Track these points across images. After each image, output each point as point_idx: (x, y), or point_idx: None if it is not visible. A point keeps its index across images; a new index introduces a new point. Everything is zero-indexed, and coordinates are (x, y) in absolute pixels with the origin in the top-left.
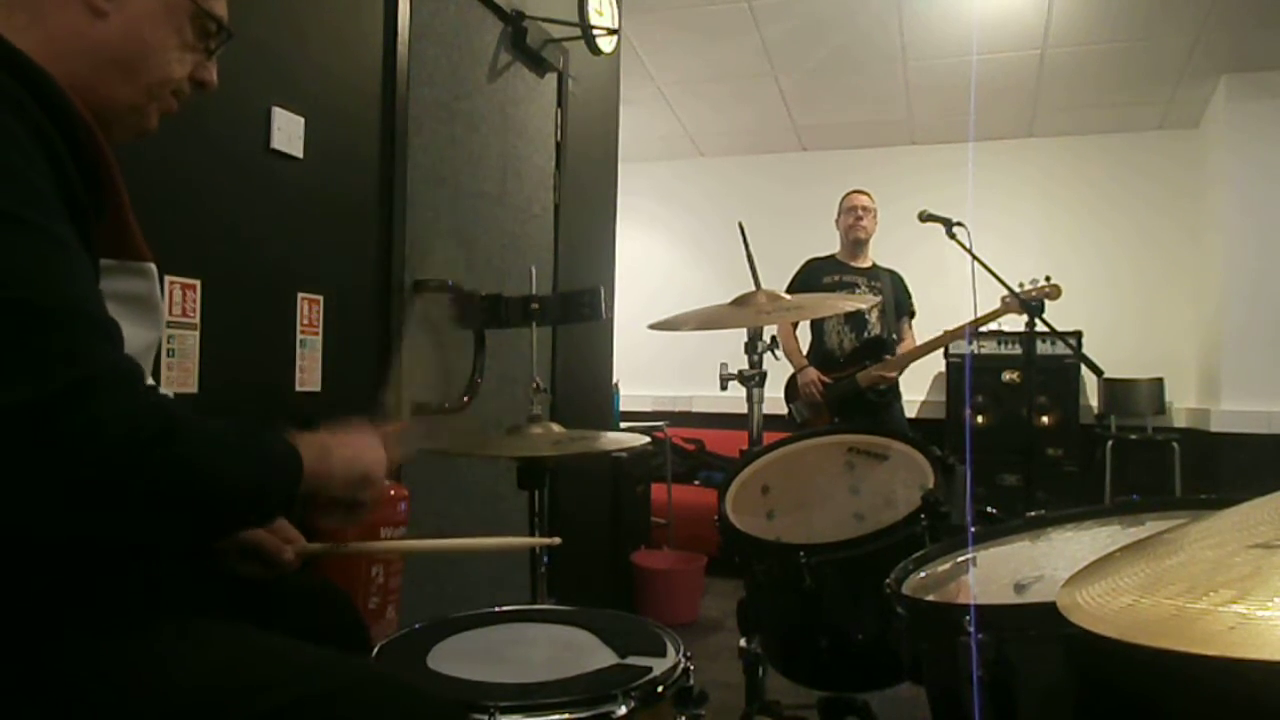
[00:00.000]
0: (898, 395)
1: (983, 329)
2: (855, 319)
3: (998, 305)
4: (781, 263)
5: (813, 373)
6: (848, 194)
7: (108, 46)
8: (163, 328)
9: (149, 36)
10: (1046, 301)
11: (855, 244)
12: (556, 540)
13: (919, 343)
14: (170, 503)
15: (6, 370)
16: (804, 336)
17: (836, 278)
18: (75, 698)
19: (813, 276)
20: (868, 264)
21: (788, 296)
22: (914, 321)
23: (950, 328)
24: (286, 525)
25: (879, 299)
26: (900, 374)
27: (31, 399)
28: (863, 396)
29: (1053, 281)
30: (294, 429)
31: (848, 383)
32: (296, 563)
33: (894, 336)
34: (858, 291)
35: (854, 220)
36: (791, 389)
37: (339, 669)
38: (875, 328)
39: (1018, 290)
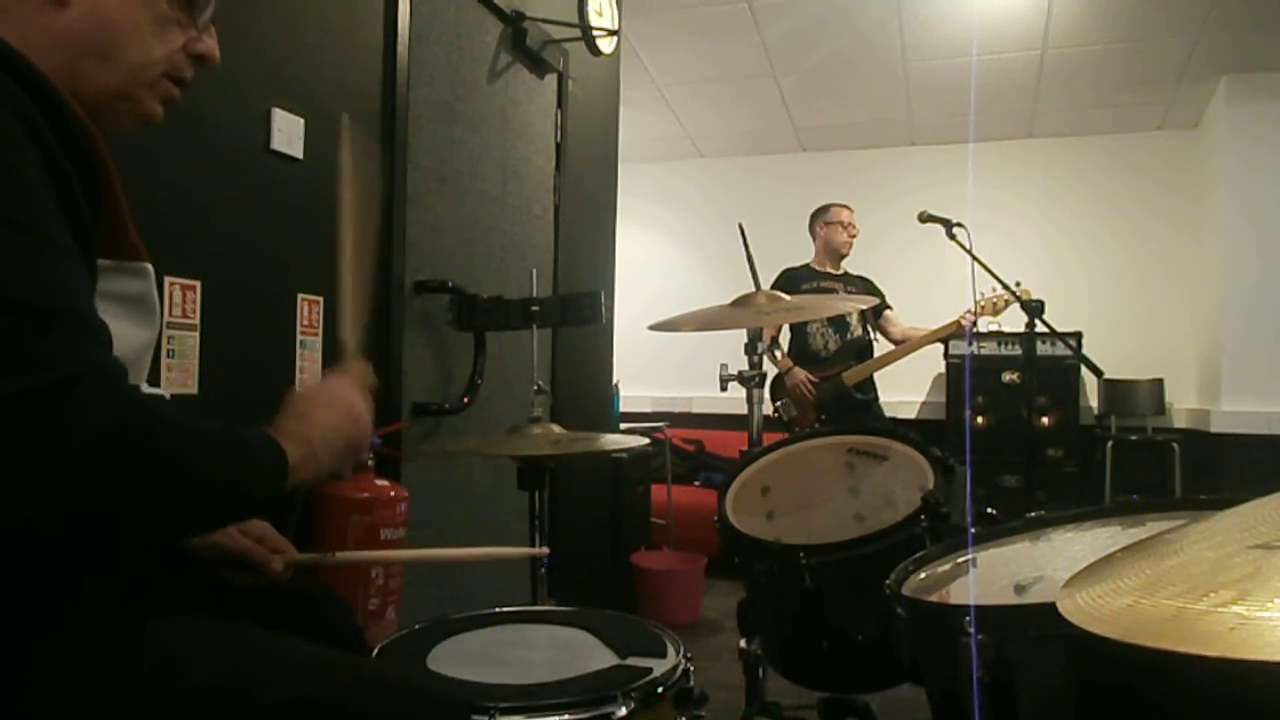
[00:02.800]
0: (877, 395)
1: (983, 329)
2: (837, 321)
3: (953, 320)
4: (781, 263)
5: (801, 373)
6: (835, 207)
7: (76, 35)
8: (159, 327)
9: (117, 16)
10: (1039, 301)
11: (839, 257)
12: (545, 550)
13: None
14: (149, 501)
15: None
16: (785, 341)
17: (815, 284)
18: (70, 694)
19: (791, 285)
20: (841, 271)
21: (787, 297)
22: (898, 314)
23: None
24: (275, 535)
25: (875, 299)
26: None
27: (14, 394)
28: (849, 395)
29: (1023, 286)
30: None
31: (834, 381)
32: (286, 573)
33: (873, 337)
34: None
35: (848, 236)
36: (777, 388)
37: (339, 667)
38: (856, 329)
39: (979, 298)
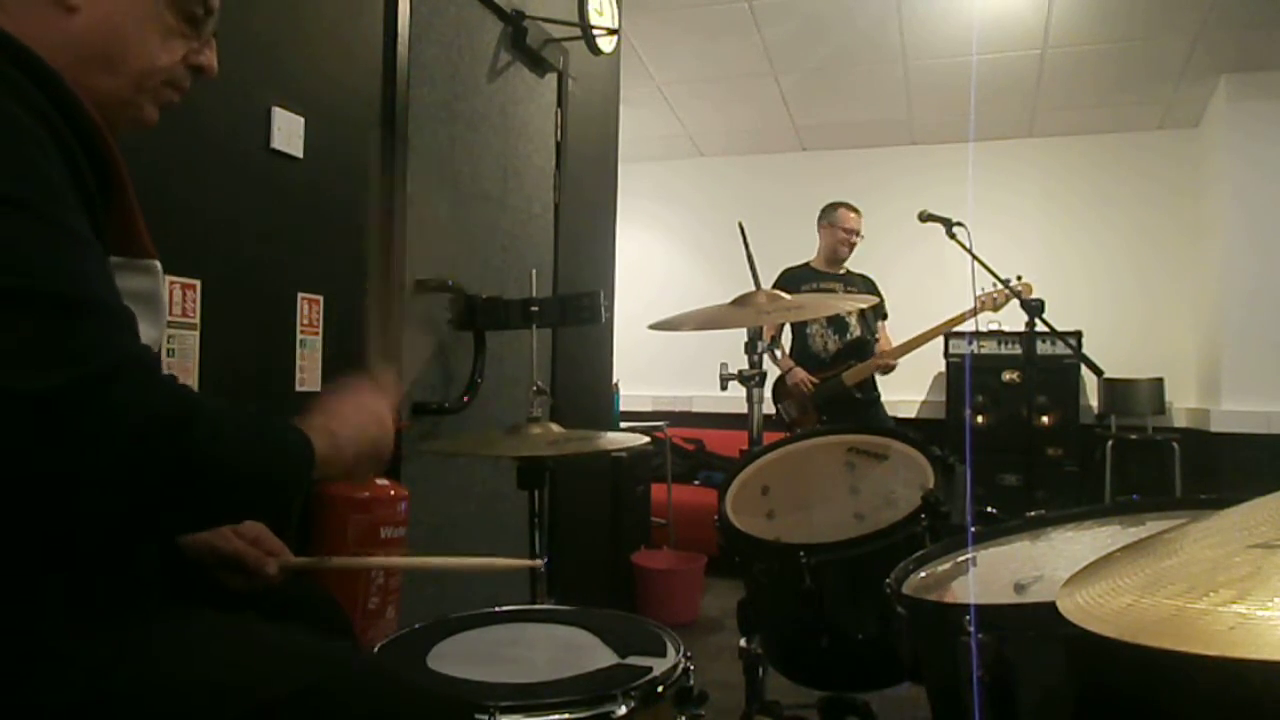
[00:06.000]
0: (879, 395)
1: (983, 327)
2: (837, 322)
3: (958, 314)
4: (781, 263)
5: (801, 373)
6: (843, 210)
7: (83, 41)
8: (164, 325)
9: (125, 25)
10: (1039, 300)
11: (838, 260)
12: (540, 562)
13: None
14: (188, 488)
15: (34, 359)
16: (785, 342)
17: (815, 285)
18: (83, 685)
19: (791, 284)
20: (842, 271)
21: (787, 296)
22: (903, 321)
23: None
24: (270, 537)
25: (875, 299)
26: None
27: (59, 386)
28: (849, 396)
29: (1023, 281)
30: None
31: (835, 382)
32: (279, 576)
33: (874, 337)
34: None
35: (850, 240)
36: (779, 389)
37: (343, 660)
38: (855, 330)
39: (981, 293)
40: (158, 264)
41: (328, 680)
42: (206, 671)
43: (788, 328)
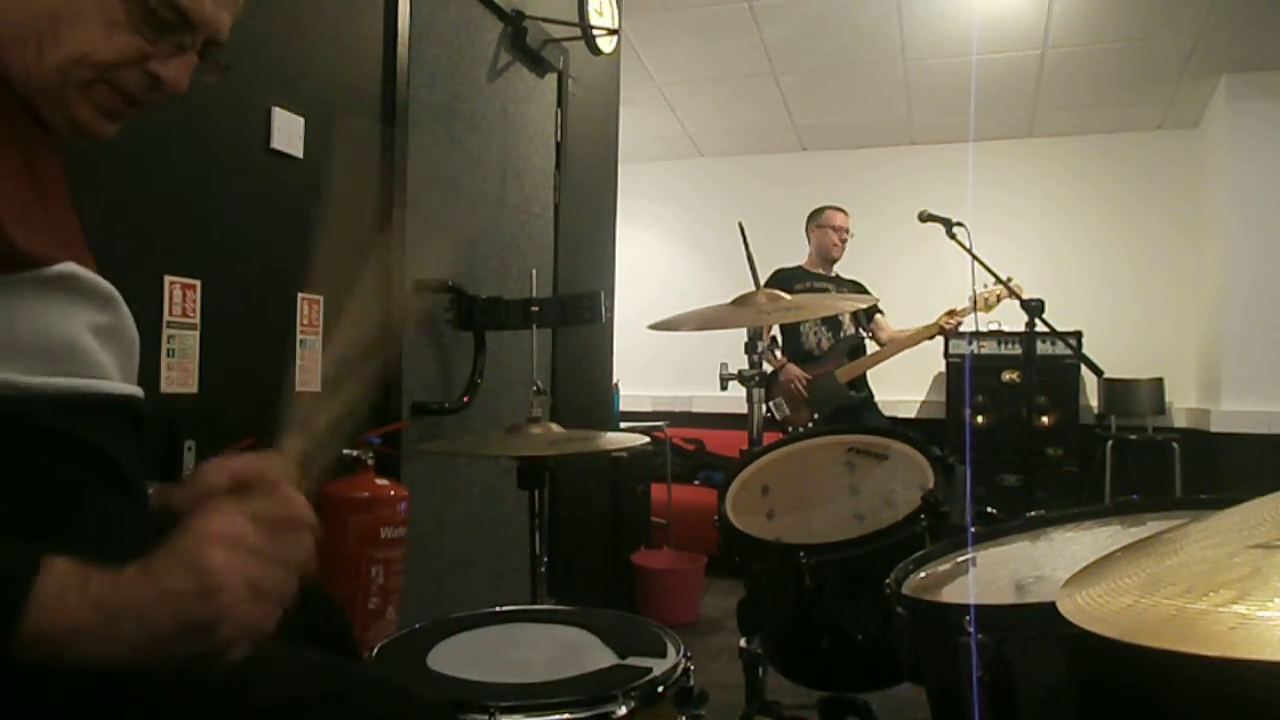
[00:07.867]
0: (871, 393)
1: (983, 327)
2: (830, 320)
3: (933, 322)
4: (781, 262)
5: (794, 370)
6: (829, 210)
7: (18, 18)
8: (131, 348)
9: (64, 6)
10: (1039, 300)
11: (830, 260)
12: None
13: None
14: None
15: None
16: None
17: (808, 285)
18: (71, 690)
19: (784, 285)
20: (833, 274)
21: (787, 296)
22: (904, 322)
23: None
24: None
25: (874, 298)
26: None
27: None
28: (843, 392)
29: (1013, 282)
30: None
31: (828, 378)
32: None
33: (866, 336)
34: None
35: (840, 240)
36: (769, 386)
37: (336, 672)
38: (849, 329)
39: (974, 295)
40: (114, 292)
41: (321, 692)
42: (202, 678)
43: (778, 325)
